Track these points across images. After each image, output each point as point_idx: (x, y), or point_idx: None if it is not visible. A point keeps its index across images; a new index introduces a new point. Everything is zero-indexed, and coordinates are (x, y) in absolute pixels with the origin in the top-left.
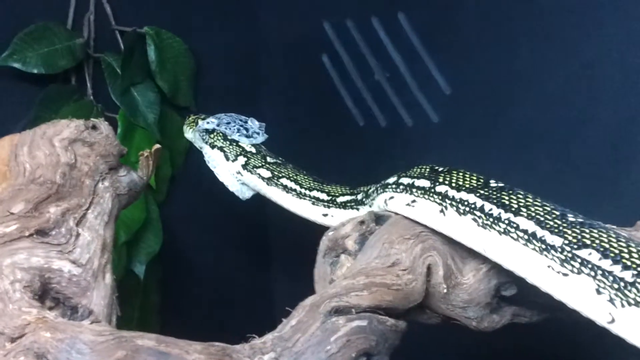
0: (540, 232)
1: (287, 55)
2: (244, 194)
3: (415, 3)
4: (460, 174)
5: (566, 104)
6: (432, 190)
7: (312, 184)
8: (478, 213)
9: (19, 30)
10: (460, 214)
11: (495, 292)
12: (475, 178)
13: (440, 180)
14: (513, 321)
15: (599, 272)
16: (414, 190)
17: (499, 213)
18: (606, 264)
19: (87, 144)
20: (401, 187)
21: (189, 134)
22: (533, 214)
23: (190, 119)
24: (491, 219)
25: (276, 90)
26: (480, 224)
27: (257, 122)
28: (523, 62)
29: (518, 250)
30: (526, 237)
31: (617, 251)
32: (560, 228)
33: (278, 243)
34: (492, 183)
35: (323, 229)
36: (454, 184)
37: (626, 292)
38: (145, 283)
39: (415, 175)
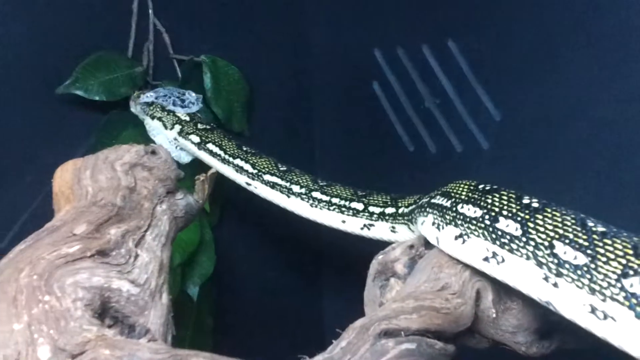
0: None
1: (338, 82)
2: (183, 159)
3: (465, 31)
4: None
5: (616, 128)
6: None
7: (236, 152)
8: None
9: (82, 59)
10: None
11: (544, 317)
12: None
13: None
14: (563, 347)
15: (436, 209)
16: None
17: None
18: (442, 200)
19: (146, 168)
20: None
21: (133, 108)
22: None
23: (135, 94)
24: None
25: (327, 116)
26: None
27: (194, 94)
28: (573, 88)
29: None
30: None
31: (450, 190)
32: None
33: (329, 265)
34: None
35: (373, 252)
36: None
37: (446, 216)
38: (199, 304)
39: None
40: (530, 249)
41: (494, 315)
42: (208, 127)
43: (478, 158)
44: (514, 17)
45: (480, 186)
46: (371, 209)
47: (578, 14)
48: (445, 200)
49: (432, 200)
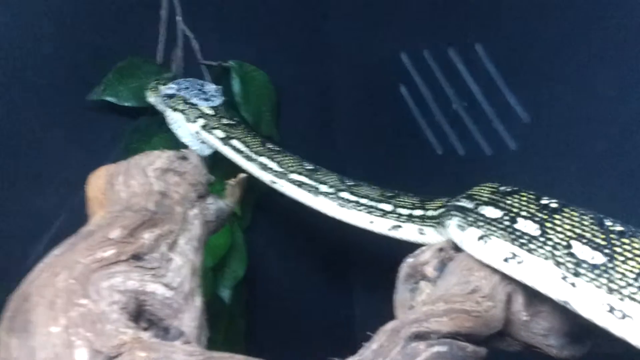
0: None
1: (364, 86)
2: (203, 152)
3: (492, 33)
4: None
5: None
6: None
7: (260, 149)
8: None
9: (112, 66)
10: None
11: (576, 320)
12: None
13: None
14: (596, 351)
15: (460, 211)
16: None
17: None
18: (466, 202)
19: (177, 174)
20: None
21: (152, 98)
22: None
23: (151, 84)
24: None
25: (354, 119)
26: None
27: (213, 86)
28: (601, 89)
29: None
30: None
31: (474, 193)
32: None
33: (358, 269)
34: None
35: (403, 254)
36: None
37: (468, 218)
38: (231, 307)
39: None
40: (549, 248)
41: (526, 318)
42: (232, 122)
43: (507, 160)
44: (540, 17)
45: (502, 188)
46: (399, 210)
47: (606, 14)
48: (469, 202)
49: (457, 203)
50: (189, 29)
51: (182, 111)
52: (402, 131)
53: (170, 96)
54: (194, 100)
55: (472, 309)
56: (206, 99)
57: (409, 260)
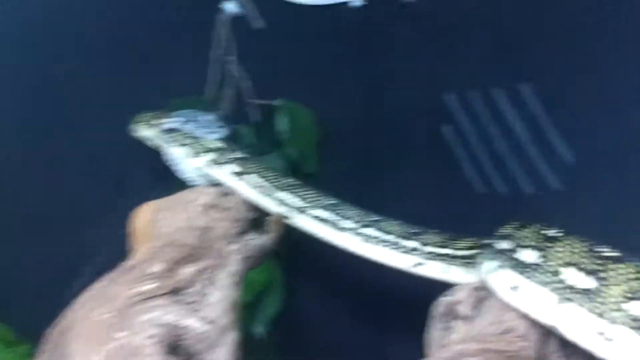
0: None
1: (406, 125)
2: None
3: (536, 72)
4: None
5: None
6: None
7: (279, 183)
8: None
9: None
10: None
11: None
12: None
13: None
14: None
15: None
16: None
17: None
18: (494, 240)
19: (221, 210)
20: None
21: (145, 132)
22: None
23: (142, 117)
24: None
25: (395, 160)
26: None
27: (214, 116)
28: None
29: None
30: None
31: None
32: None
33: (391, 308)
34: None
35: (434, 294)
36: None
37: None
38: (264, 343)
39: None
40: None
41: (561, 359)
42: (245, 155)
43: (549, 200)
44: (584, 54)
45: (518, 223)
46: (425, 248)
47: None
48: (495, 240)
49: (485, 242)
50: (239, 68)
51: (184, 145)
52: (443, 170)
53: (172, 130)
54: (200, 134)
55: (506, 349)
56: (212, 132)
57: (444, 298)
